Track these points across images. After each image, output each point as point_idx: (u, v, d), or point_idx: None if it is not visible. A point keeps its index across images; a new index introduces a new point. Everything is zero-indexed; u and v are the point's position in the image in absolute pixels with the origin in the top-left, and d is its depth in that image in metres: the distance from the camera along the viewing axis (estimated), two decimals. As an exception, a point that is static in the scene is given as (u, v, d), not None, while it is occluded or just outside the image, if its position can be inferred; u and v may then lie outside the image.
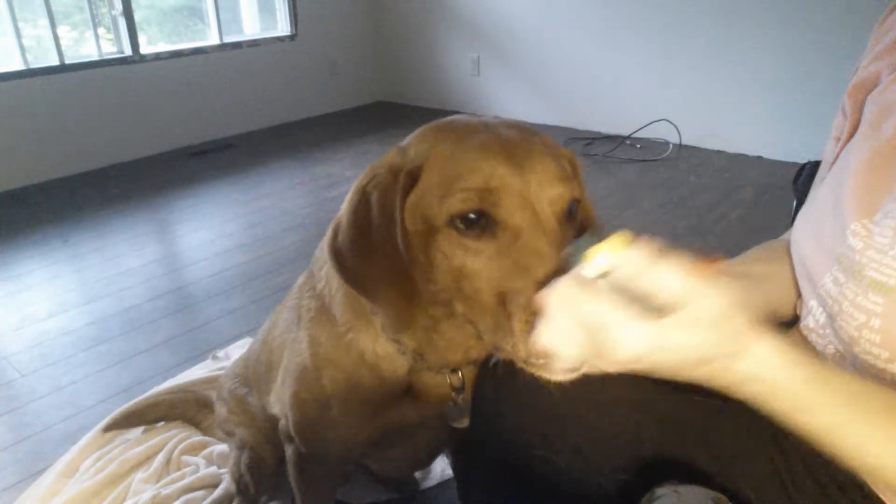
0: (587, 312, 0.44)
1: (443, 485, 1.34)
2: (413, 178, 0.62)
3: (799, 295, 0.74)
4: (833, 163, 0.73)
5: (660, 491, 0.56)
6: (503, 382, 0.77)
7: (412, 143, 0.66)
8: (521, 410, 0.74)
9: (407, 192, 0.62)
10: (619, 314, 0.43)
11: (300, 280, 0.90)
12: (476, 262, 0.58)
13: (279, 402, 0.93)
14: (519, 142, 0.61)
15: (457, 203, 0.58)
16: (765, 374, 0.47)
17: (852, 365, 0.62)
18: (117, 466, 1.37)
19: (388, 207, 0.62)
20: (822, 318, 0.66)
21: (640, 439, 0.69)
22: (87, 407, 1.59)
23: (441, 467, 1.35)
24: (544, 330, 0.48)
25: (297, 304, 0.87)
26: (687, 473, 0.66)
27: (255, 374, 1.07)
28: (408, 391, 0.81)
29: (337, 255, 0.65)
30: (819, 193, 0.71)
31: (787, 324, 0.84)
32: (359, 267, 0.64)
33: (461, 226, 0.58)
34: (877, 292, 0.57)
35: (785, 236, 0.82)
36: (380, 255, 0.62)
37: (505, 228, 0.57)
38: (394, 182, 0.62)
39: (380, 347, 0.77)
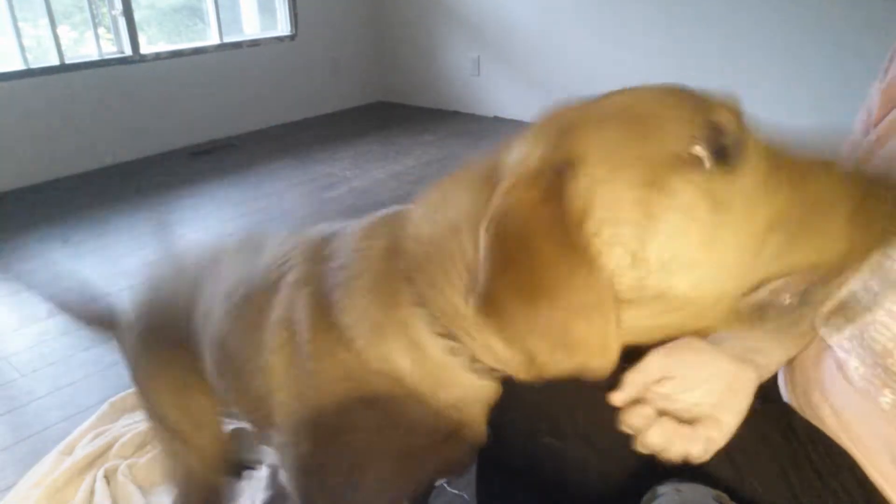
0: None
1: (436, 489, 1.32)
2: (567, 171, 0.44)
3: None
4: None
5: (661, 489, 0.56)
6: None
7: (535, 140, 0.48)
8: (530, 398, 0.72)
9: (567, 188, 0.44)
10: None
11: (291, 278, 0.67)
12: (748, 198, 0.42)
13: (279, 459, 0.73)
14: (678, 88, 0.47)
15: (682, 135, 0.42)
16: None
17: (879, 378, 0.61)
18: (108, 440, 1.42)
19: (552, 220, 0.43)
20: (847, 330, 0.65)
21: None
22: (87, 407, 1.59)
23: None
24: None
25: (300, 327, 0.65)
26: (692, 466, 0.66)
27: (223, 374, 0.78)
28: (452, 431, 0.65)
29: (500, 314, 0.46)
30: None
31: None
32: (535, 314, 0.44)
33: (701, 164, 0.41)
34: None
35: None
36: (558, 285, 0.43)
37: (746, 146, 0.43)
38: (545, 187, 0.44)
39: (457, 396, 0.61)
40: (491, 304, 0.46)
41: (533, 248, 0.44)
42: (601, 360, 0.46)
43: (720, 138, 0.42)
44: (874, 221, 0.43)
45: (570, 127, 0.46)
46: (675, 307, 0.46)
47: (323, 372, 0.62)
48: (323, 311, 0.62)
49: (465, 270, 0.52)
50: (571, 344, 0.45)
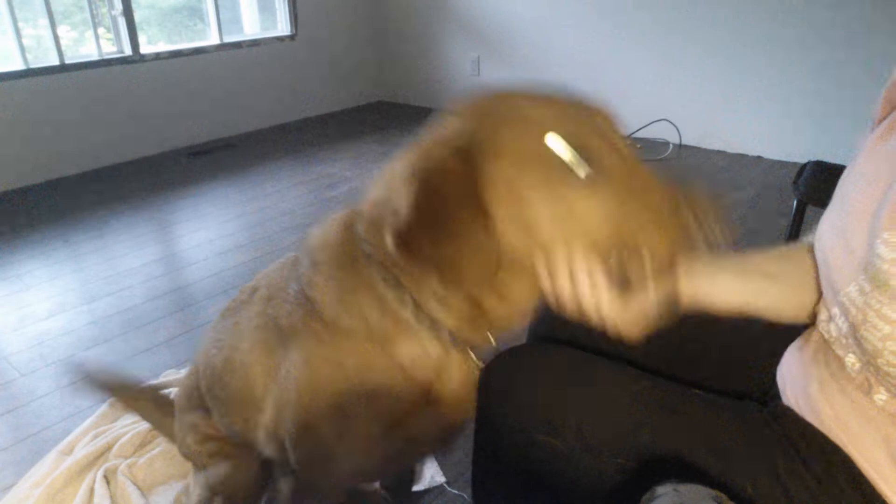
0: None
1: (431, 491, 1.33)
2: (485, 147, 0.61)
3: (819, 297, 0.73)
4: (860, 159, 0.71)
5: (660, 490, 0.56)
6: (510, 369, 0.78)
7: (464, 118, 0.64)
8: (525, 396, 0.75)
9: (482, 164, 0.61)
10: None
11: (263, 293, 0.83)
12: (586, 205, 0.59)
13: (271, 438, 0.83)
14: (564, 90, 0.64)
15: (552, 152, 0.59)
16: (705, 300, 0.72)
17: (873, 376, 0.62)
18: (108, 441, 1.42)
19: (466, 186, 0.60)
20: (845, 328, 0.65)
21: (639, 427, 0.70)
22: (87, 407, 1.59)
23: (431, 472, 1.35)
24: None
25: (278, 325, 0.78)
26: (684, 465, 0.66)
27: (212, 394, 0.94)
28: (428, 400, 0.75)
29: (406, 242, 0.61)
30: (848, 194, 0.69)
31: (798, 325, 0.84)
32: (438, 250, 0.61)
33: (562, 173, 0.59)
34: None
35: (805, 240, 0.81)
36: (460, 233, 0.60)
37: (600, 164, 0.59)
38: (464, 160, 0.60)
39: (414, 350, 0.71)
40: (406, 236, 0.60)
41: (446, 199, 0.60)
42: (473, 287, 0.65)
43: (589, 157, 0.59)
44: (678, 233, 0.60)
45: (492, 117, 0.62)
46: (532, 261, 0.63)
47: (301, 346, 0.73)
48: (295, 295, 0.76)
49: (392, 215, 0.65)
50: (462, 275, 0.62)
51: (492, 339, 0.76)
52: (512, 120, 0.61)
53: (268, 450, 0.85)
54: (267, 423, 0.82)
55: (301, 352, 0.74)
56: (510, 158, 0.60)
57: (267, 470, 1.03)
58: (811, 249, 0.76)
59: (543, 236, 0.61)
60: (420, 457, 0.94)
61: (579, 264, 0.62)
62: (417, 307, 0.69)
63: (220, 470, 1.02)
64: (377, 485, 1.31)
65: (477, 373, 0.77)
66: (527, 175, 0.60)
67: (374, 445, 0.75)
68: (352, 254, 0.72)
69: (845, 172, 0.73)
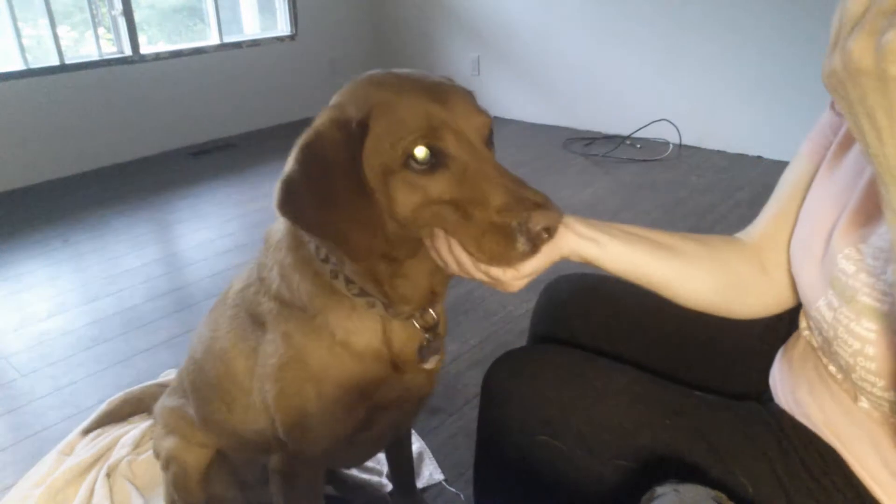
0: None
1: (429, 489, 1.33)
2: (362, 128, 0.66)
3: (797, 305, 0.74)
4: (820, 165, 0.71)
5: (660, 490, 0.56)
6: (511, 370, 0.79)
7: (347, 98, 0.70)
8: (527, 397, 0.75)
9: (360, 141, 0.66)
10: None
11: (237, 286, 0.89)
12: (434, 193, 0.65)
13: (258, 412, 0.88)
14: (444, 85, 0.71)
15: (407, 144, 0.64)
16: (587, 251, 0.72)
17: (853, 387, 0.62)
18: (108, 441, 1.42)
19: (346, 158, 0.66)
20: (820, 340, 0.66)
21: (639, 427, 0.70)
22: (87, 407, 1.59)
23: (430, 470, 1.35)
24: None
25: (247, 310, 0.85)
26: (684, 465, 0.66)
27: (194, 385, 1.01)
28: (393, 367, 0.81)
29: (294, 210, 0.67)
30: (811, 209, 0.70)
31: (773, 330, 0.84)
32: (321, 217, 0.67)
33: (416, 165, 0.65)
34: (869, 318, 0.57)
35: (742, 235, 0.81)
36: (342, 203, 0.66)
37: (453, 160, 0.65)
38: (346, 135, 0.66)
39: (351, 321, 0.77)
40: (291, 202, 0.67)
41: (328, 165, 0.66)
42: (364, 260, 0.70)
43: (437, 152, 0.65)
44: (494, 245, 0.64)
45: (372, 102, 0.68)
46: (402, 226, 0.69)
47: (289, 330, 0.79)
48: (257, 281, 0.83)
49: None
50: (346, 245, 0.67)
51: (433, 313, 0.80)
52: (386, 112, 0.66)
53: (258, 423, 0.90)
54: (254, 402, 0.88)
55: (267, 331, 0.82)
56: (376, 146, 0.66)
57: (222, 460, 1.07)
58: (737, 240, 0.78)
59: (403, 213, 0.67)
60: (389, 429, 0.99)
61: (445, 238, 0.67)
62: (349, 280, 0.75)
63: (168, 443, 1.07)
64: (385, 484, 1.31)
65: (422, 341, 0.81)
66: (387, 159, 0.65)
67: (344, 410, 0.81)
68: (296, 237, 0.78)
69: (814, 182, 0.72)
